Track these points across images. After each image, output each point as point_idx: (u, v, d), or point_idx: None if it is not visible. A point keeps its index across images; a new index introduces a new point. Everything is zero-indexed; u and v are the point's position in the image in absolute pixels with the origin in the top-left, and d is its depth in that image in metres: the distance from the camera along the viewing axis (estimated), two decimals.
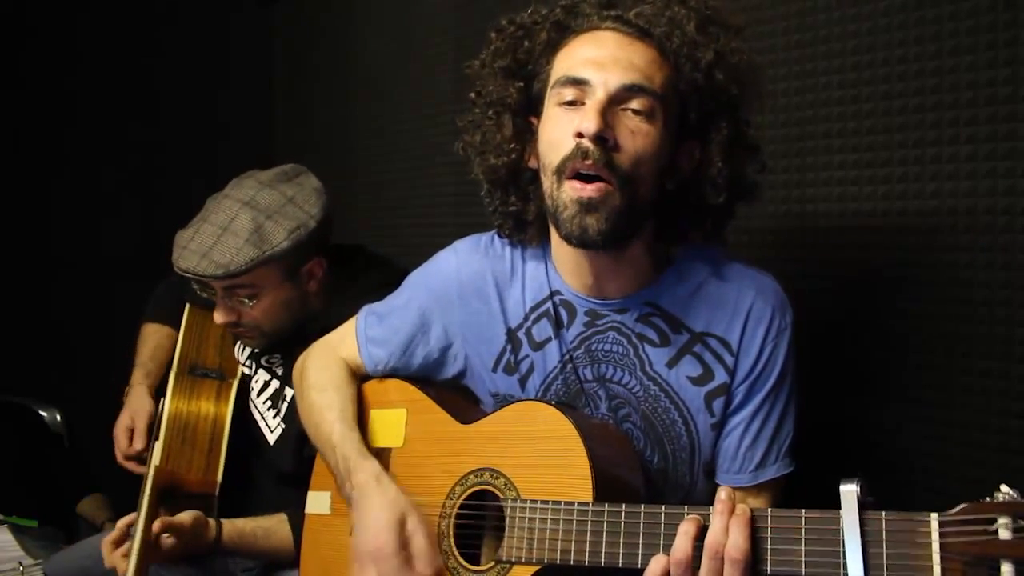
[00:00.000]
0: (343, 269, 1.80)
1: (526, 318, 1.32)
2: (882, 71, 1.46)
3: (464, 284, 1.36)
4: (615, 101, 1.14)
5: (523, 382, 1.31)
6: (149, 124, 3.06)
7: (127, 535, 1.54)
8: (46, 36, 2.89)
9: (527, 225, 1.31)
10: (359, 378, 1.48)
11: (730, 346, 1.23)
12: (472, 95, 1.33)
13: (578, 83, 1.15)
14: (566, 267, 1.28)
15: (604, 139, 1.12)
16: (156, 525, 1.48)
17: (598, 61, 1.15)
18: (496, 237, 1.38)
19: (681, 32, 1.18)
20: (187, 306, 1.96)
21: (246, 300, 1.68)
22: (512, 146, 1.26)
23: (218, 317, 1.71)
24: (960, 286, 1.37)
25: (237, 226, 1.64)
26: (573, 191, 1.14)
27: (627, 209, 1.14)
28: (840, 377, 1.54)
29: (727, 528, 0.98)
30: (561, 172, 1.15)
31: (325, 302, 1.78)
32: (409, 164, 2.67)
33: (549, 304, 1.30)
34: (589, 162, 1.12)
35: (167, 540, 1.51)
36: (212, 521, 1.58)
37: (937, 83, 1.39)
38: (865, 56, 1.48)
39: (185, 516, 1.54)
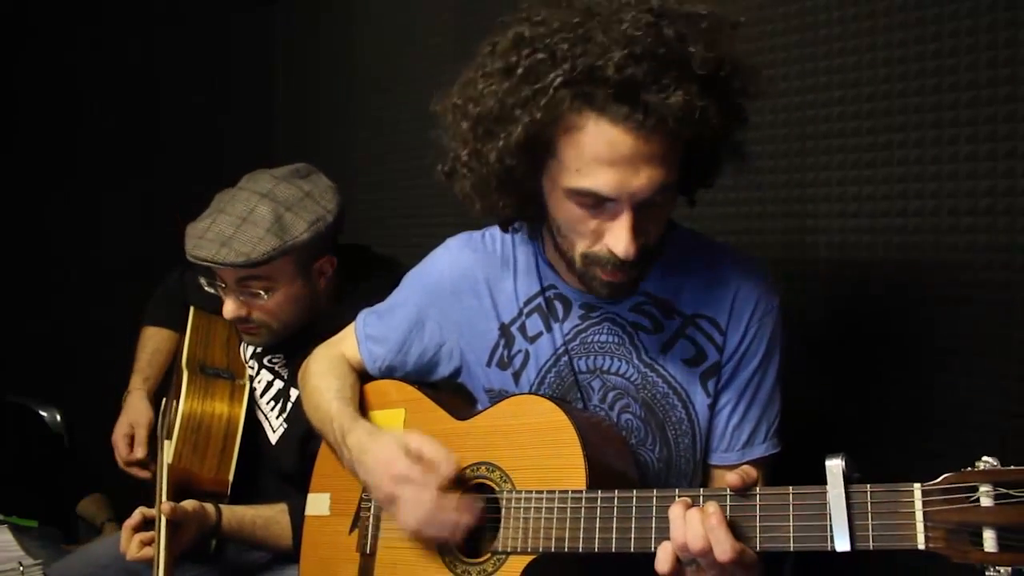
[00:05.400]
0: (350, 270, 1.80)
1: (520, 312, 1.32)
2: (883, 71, 1.46)
3: (457, 280, 1.37)
4: (644, 205, 1.08)
5: (516, 377, 1.32)
6: (149, 125, 3.06)
7: (144, 522, 1.53)
8: (46, 36, 2.89)
9: (525, 220, 1.30)
10: (360, 375, 1.49)
11: (719, 325, 1.24)
12: (456, 155, 1.20)
13: (600, 198, 1.07)
14: (563, 263, 1.29)
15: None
16: (165, 507, 1.48)
17: (621, 178, 1.04)
18: (487, 233, 1.39)
19: (699, 121, 1.04)
20: (192, 309, 1.95)
21: (261, 292, 1.67)
22: (517, 204, 1.20)
23: (228, 310, 1.70)
24: (959, 286, 1.38)
25: (257, 216, 1.64)
26: (605, 276, 1.14)
27: (652, 261, 1.17)
28: (838, 377, 1.54)
29: (705, 536, 0.97)
30: (588, 260, 1.14)
31: (333, 303, 1.78)
32: (410, 164, 2.67)
33: (542, 298, 1.31)
34: (612, 276, 1.13)
35: (183, 538, 1.50)
36: (211, 506, 1.58)
37: (937, 83, 1.39)
38: (866, 56, 1.48)
39: (186, 503, 1.54)
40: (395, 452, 1.20)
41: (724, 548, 0.96)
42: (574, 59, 1.02)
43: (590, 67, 1.01)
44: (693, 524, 0.98)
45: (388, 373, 1.46)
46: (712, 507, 0.98)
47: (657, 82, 1.00)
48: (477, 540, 1.24)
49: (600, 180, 1.05)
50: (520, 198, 1.19)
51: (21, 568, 1.76)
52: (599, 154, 1.04)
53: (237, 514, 1.61)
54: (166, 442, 1.72)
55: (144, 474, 1.89)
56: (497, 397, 1.33)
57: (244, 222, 1.64)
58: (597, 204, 1.08)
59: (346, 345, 1.50)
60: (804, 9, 1.57)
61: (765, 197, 1.65)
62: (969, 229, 1.36)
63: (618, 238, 1.08)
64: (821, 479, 0.94)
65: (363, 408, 1.45)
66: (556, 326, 1.29)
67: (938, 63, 1.39)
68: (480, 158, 1.15)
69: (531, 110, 1.05)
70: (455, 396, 1.41)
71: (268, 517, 1.63)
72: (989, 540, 0.85)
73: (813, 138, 1.57)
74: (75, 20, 2.92)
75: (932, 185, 1.41)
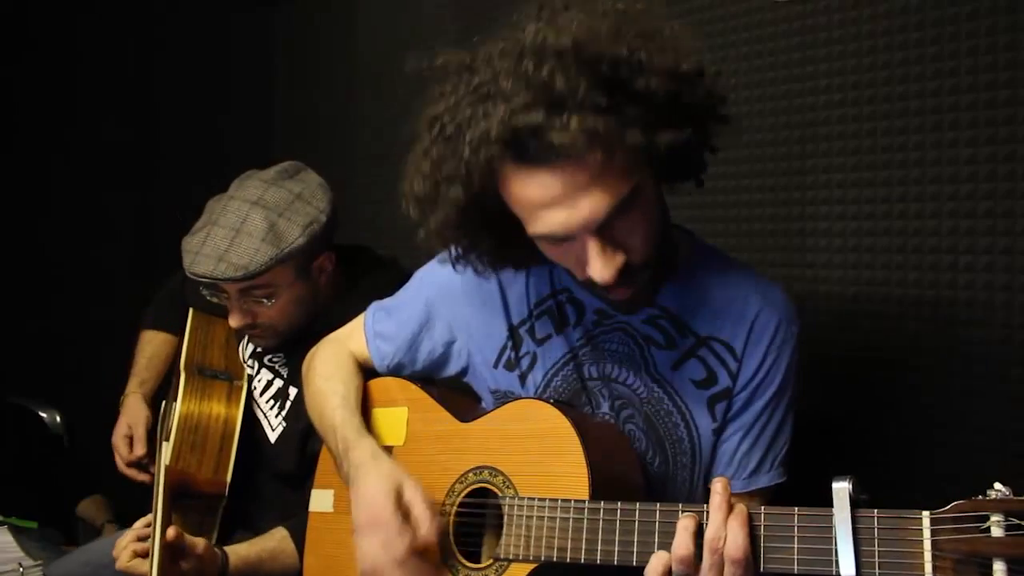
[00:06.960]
0: (351, 268, 1.80)
1: (530, 314, 1.32)
2: (883, 74, 1.46)
3: (468, 279, 1.35)
4: (604, 227, 1.06)
5: (523, 379, 1.31)
6: (149, 124, 3.06)
7: (142, 536, 1.51)
8: (45, 36, 2.89)
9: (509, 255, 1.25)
10: (366, 373, 1.48)
11: (734, 351, 1.22)
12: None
13: (558, 237, 1.07)
14: None
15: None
16: (170, 532, 1.44)
17: (564, 216, 1.03)
18: None
19: (610, 135, 0.98)
20: (191, 311, 1.95)
21: (264, 300, 1.67)
22: (495, 246, 1.20)
23: (234, 320, 1.69)
24: (960, 288, 1.38)
25: (250, 226, 1.62)
26: (610, 295, 1.14)
27: (649, 269, 1.15)
28: (837, 379, 1.55)
29: (725, 523, 0.97)
30: (588, 285, 1.14)
31: (334, 300, 1.78)
32: None
33: (553, 301, 1.30)
34: (615, 294, 1.13)
35: (183, 565, 1.47)
36: (219, 551, 1.55)
37: (937, 86, 1.40)
38: (866, 59, 1.48)
39: (199, 540, 1.50)
40: (386, 494, 1.18)
41: (739, 544, 0.95)
42: (474, 128, 1.02)
43: (486, 131, 1.01)
44: (715, 522, 0.97)
45: (396, 371, 1.45)
46: (739, 507, 0.98)
47: (553, 117, 0.97)
48: (479, 545, 1.24)
49: (548, 224, 1.05)
50: (499, 251, 1.21)
51: (21, 569, 1.76)
52: (534, 201, 1.04)
53: (241, 555, 1.57)
54: (164, 443, 1.72)
55: (143, 476, 1.89)
56: (503, 399, 1.32)
57: (238, 234, 1.62)
58: (562, 241, 1.08)
59: (354, 341, 1.49)
60: (805, 11, 1.57)
61: (764, 199, 1.66)
62: (969, 232, 1.37)
63: (593, 267, 1.07)
64: (819, 485, 0.94)
65: (367, 405, 1.45)
66: (566, 330, 1.29)
67: (938, 66, 1.39)
68: (438, 238, 1.16)
69: (454, 187, 1.06)
70: (460, 396, 1.40)
71: (273, 548, 1.60)
72: (999, 572, 0.82)
73: (813, 140, 1.57)
74: (74, 20, 2.91)
75: (932, 188, 1.41)
